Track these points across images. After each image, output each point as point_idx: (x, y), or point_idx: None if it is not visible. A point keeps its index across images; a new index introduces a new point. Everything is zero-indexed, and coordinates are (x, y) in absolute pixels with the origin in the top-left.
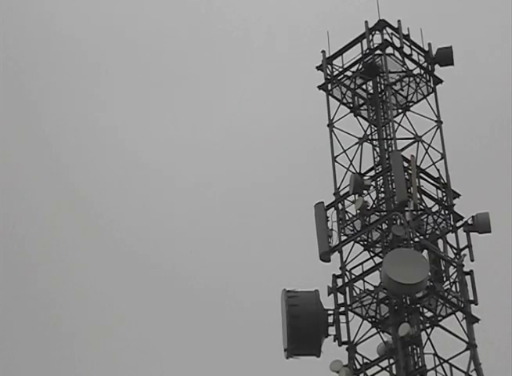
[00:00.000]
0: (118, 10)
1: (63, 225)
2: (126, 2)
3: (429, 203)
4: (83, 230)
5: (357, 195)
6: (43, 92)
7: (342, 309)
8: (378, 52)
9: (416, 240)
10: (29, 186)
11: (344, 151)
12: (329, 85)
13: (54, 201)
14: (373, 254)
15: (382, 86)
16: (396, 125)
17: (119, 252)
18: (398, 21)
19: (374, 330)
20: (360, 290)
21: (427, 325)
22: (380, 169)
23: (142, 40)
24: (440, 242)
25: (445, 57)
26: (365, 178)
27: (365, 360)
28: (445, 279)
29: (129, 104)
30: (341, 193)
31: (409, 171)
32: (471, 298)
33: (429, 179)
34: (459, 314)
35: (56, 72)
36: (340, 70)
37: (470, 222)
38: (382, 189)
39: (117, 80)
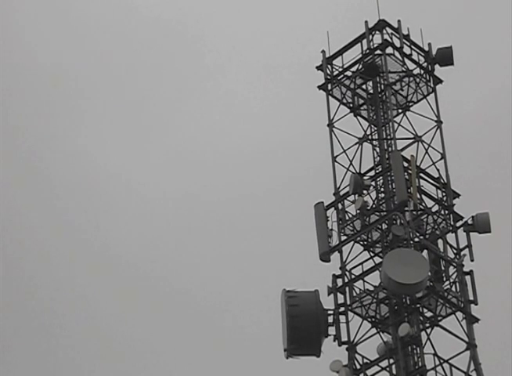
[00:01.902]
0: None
1: (59, 242)
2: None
3: (429, 203)
4: (79, 247)
5: (357, 195)
6: (31, 119)
7: (342, 309)
8: (378, 52)
9: (416, 240)
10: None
11: (344, 151)
12: (329, 85)
13: (47, 223)
14: (373, 254)
15: (382, 86)
16: (396, 125)
17: (117, 265)
18: (398, 21)
19: (374, 330)
20: (360, 290)
21: (427, 325)
22: (380, 169)
23: (116, 56)
24: (440, 242)
25: (445, 57)
26: (365, 178)
27: (365, 360)
28: (445, 279)
29: (112, 130)
30: (341, 193)
31: (409, 171)
32: (471, 298)
33: (429, 179)
34: (459, 314)
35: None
36: (340, 70)
37: (470, 222)
38: (382, 189)
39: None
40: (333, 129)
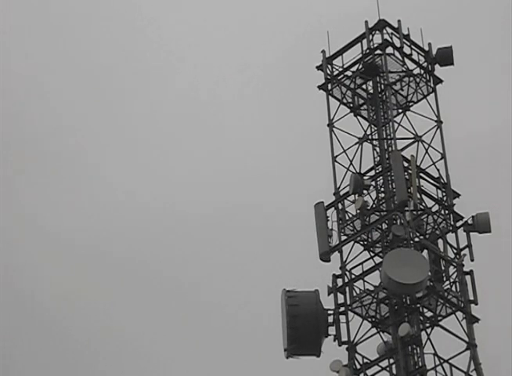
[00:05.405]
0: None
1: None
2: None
3: (429, 203)
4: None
5: (357, 195)
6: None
7: (342, 308)
8: (378, 51)
9: (416, 240)
10: None
11: (344, 151)
12: (329, 85)
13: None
14: (373, 254)
15: (382, 86)
16: (396, 125)
17: (118, 263)
18: (398, 21)
19: (374, 330)
20: (360, 290)
21: (427, 325)
22: (380, 169)
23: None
24: (440, 242)
25: (445, 57)
26: (366, 178)
27: (366, 360)
28: (445, 279)
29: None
30: (341, 193)
31: (409, 171)
32: (471, 298)
33: (429, 179)
34: (459, 314)
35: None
36: (340, 70)
37: (470, 222)
38: (382, 189)
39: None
40: (333, 129)
